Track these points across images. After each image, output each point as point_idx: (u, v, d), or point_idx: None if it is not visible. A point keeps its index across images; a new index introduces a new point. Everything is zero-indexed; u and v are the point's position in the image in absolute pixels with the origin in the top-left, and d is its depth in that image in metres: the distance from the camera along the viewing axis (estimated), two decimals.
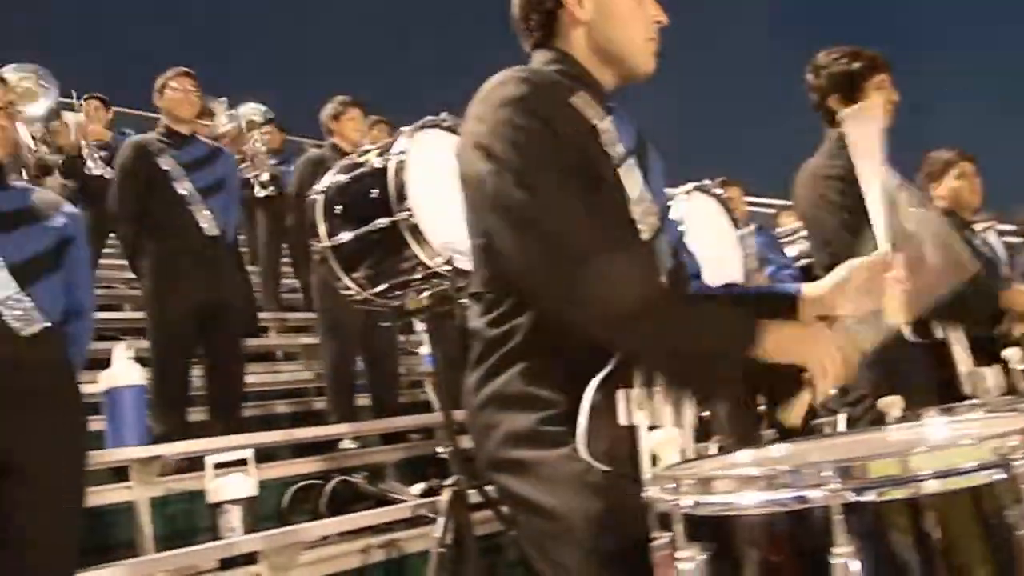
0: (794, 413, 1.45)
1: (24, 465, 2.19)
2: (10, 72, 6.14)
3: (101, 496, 3.44)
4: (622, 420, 1.34)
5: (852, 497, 0.92)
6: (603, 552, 1.31)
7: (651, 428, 1.34)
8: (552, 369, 1.41)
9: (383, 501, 3.86)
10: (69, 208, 2.47)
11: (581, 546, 1.32)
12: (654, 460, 1.29)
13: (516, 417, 1.42)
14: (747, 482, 0.98)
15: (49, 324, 2.26)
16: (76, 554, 2.37)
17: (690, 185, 3.73)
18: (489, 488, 3.01)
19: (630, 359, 1.36)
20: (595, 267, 1.31)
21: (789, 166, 2.99)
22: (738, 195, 5.33)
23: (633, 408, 1.34)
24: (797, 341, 1.35)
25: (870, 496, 0.92)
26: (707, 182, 3.82)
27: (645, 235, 1.51)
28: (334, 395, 4.60)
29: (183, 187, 4.15)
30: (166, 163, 4.17)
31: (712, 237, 3.71)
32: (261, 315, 6.18)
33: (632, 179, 1.51)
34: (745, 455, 1.27)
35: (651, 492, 1.10)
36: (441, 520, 2.89)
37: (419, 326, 5.36)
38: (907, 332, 1.45)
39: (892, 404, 1.61)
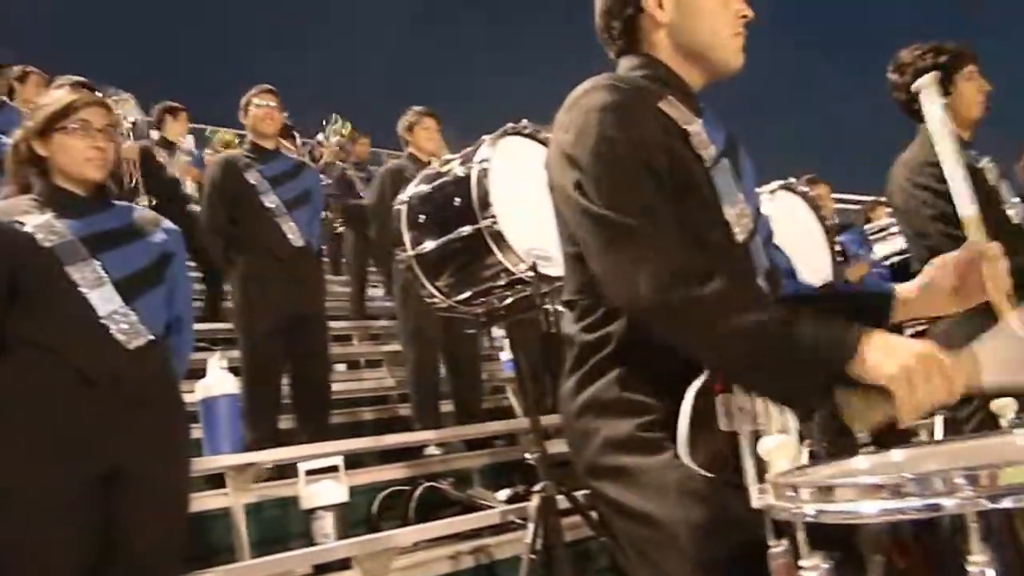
0: (861, 420, 1.36)
1: (132, 473, 2.25)
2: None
3: (199, 502, 3.53)
4: (722, 426, 1.33)
5: (987, 505, 0.89)
6: (707, 560, 1.29)
7: (757, 434, 1.32)
8: (648, 374, 1.40)
9: (470, 507, 3.89)
10: (168, 225, 2.54)
11: (684, 554, 1.31)
12: (764, 467, 1.27)
13: (614, 423, 1.41)
14: (873, 490, 0.96)
15: (152, 337, 2.33)
16: (180, 561, 2.43)
17: (775, 184, 3.66)
18: (578, 493, 3.00)
19: (722, 370, 1.33)
20: (680, 274, 1.29)
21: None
22: (826, 193, 5.20)
23: (733, 413, 1.32)
24: (890, 355, 1.20)
25: (1006, 503, 0.89)
26: (792, 180, 3.75)
27: (740, 237, 1.48)
28: (418, 402, 4.66)
29: (269, 200, 4.26)
30: (253, 177, 4.28)
31: (799, 236, 3.63)
32: (345, 324, 6.30)
33: (725, 181, 1.49)
34: (862, 462, 1.24)
35: (768, 500, 1.08)
36: (531, 526, 2.90)
37: (498, 332, 5.46)
38: (1018, 327, 1.38)
39: (1006, 406, 1.54)
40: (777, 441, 1.16)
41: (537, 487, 2.97)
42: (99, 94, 2.44)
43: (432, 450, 4.51)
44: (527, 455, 3.14)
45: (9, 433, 2.17)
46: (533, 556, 2.84)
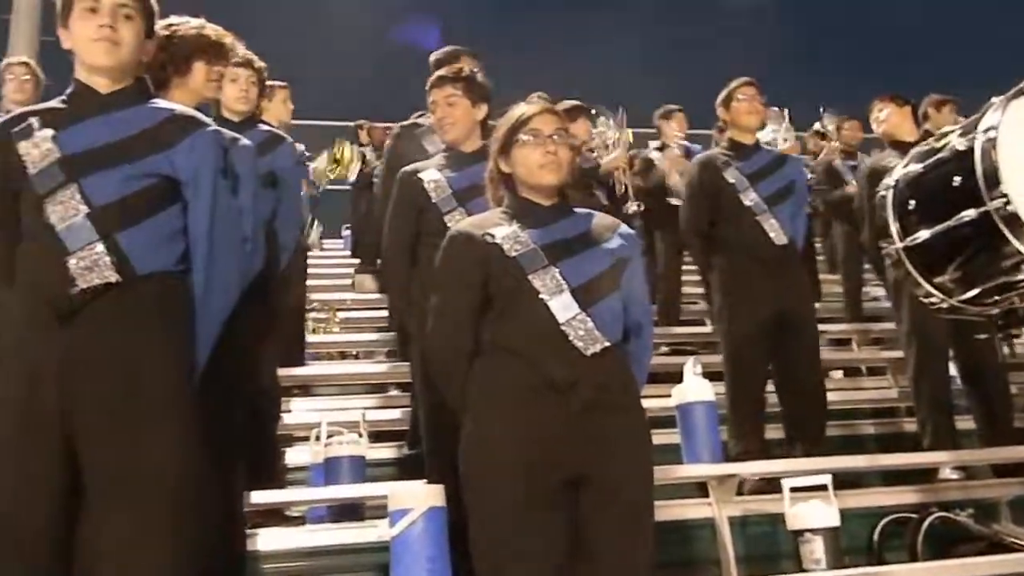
0: None
1: (595, 479, 2.25)
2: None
3: (681, 510, 3.47)
4: None
5: None
6: None
7: None
8: None
9: (997, 545, 3.26)
10: (625, 229, 2.51)
11: None
12: None
13: None
14: None
15: (608, 343, 2.30)
16: (650, 567, 2.35)
17: None
18: None
19: None
20: None
21: None
22: None
23: None
24: None
25: None
26: None
27: None
28: (924, 416, 4.05)
29: (749, 198, 4.07)
30: (731, 175, 4.12)
31: None
32: (843, 327, 5.84)
33: None
34: None
35: None
36: None
37: None
38: None
39: None
40: None
41: None
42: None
43: (947, 473, 3.89)
44: None
45: (486, 433, 2.28)
46: None
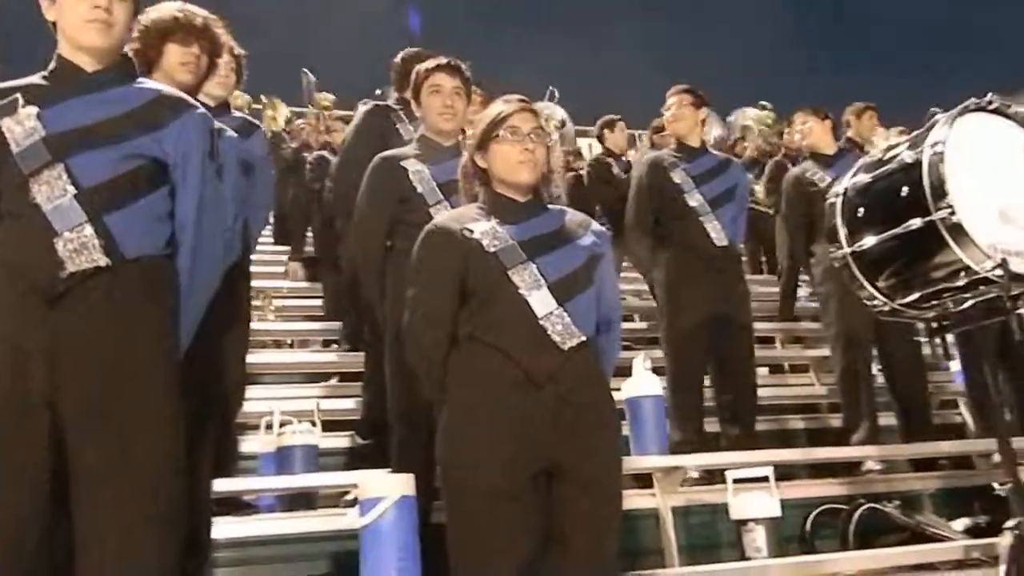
0: None
1: (569, 471, 2.29)
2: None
3: (627, 501, 3.55)
4: None
5: None
6: None
7: None
8: None
9: (920, 536, 3.48)
10: (596, 227, 2.56)
11: None
12: None
13: None
14: None
15: (584, 338, 2.35)
16: (616, 558, 2.42)
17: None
18: None
19: None
20: None
21: None
22: None
23: None
24: None
25: None
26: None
27: None
28: (850, 413, 4.29)
29: (694, 199, 4.21)
30: (678, 176, 4.26)
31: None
32: (768, 326, 6.06)
33: None
34: None
35: None
36: (1002, 568, 2.48)
37: (948, 338, 4.85)
38: None
39: None
40: None
41: (1010, 523, 2.54)
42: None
43: (871, 466, 4.12)
44: (996, 484, 2.73)
45: (465, 424, 2.31)
46: None
